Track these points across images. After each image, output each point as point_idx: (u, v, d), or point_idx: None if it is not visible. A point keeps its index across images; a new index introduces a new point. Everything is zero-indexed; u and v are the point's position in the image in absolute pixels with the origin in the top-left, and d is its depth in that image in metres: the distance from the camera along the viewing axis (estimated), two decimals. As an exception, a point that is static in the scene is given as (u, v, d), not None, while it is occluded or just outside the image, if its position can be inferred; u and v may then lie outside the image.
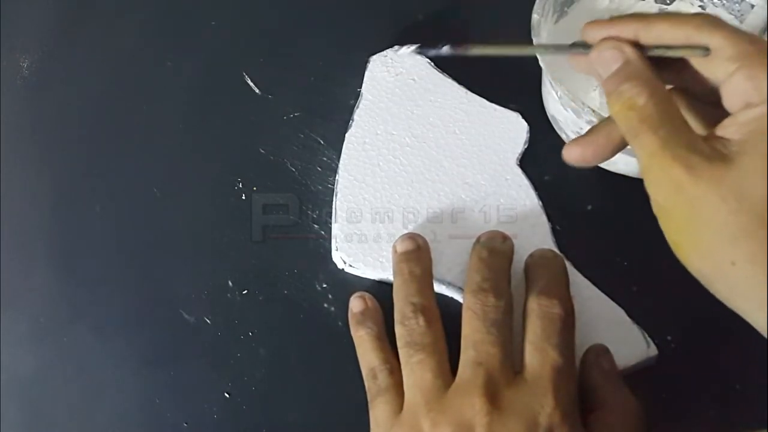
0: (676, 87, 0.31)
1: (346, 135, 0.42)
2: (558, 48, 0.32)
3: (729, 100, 0.28)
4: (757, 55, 0.26)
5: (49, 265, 0.41)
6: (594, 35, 0.31)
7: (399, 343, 0.34)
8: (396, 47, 0.43)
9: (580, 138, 0.31)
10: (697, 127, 0.31)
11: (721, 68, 0.27)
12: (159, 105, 0.45)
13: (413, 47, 0.33)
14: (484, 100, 0.43)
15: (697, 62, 0.29)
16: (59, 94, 0.47)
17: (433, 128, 0.42)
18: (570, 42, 0.32)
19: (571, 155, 0.31)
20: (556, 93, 0.37)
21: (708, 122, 0.30)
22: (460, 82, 0.43)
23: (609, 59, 0.29)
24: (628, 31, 0.29)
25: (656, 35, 0.29)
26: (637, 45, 0.29)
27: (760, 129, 0.26)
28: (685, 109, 0.31)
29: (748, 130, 0.26)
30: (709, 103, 0.29)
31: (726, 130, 0.27)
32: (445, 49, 0.32)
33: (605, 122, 0.31)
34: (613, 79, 0.29)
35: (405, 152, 0.41)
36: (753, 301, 0.26)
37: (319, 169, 0.42)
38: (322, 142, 0.43)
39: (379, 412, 0.33)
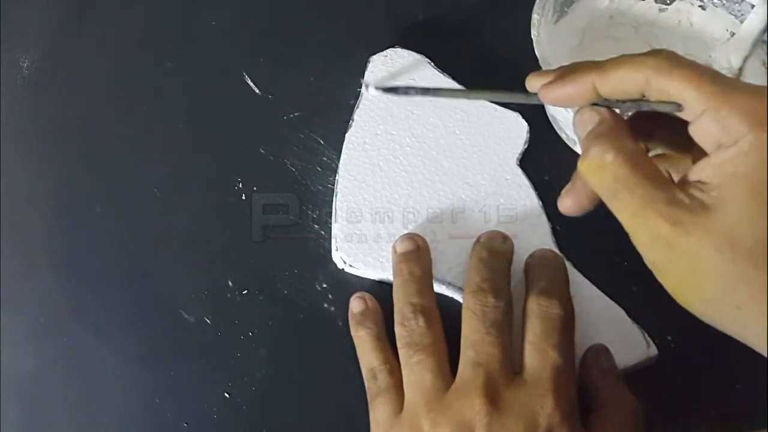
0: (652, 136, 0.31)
1: (346, 135, 0.42)
2: (530, 97, 0.31)
3: (701, 141, 0.27)
4: (722, 95, 0.26)
5: (49, 265, 0.41)
6: (555, 96, 0.30)
7: (399, 344, 0.34)
8: (402, 52, 0.44)
9: (569, 188, 0.31)
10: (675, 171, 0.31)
11: (689, 111, 0.27)
12: (159, 105, 0.45)
13: (379, 89, 0.34)
14: (484, 101, 0.43)
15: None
16: (59, 94, 0.47)
17: (433, 128, 0.42)
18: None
19: (566, 207, 0.31)
20: (556, 93, 0.37)
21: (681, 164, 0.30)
22: (460, 82, 0.43)
23: (587, 120, 0.29)
24: (586, 84, 0.29)
25: (614, 83, 0.28)
26: (612, 102, 0.29)
27: (737, 171, 0.25)
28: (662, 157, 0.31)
29: (724, 172, 0.25)
30: (680, 145, 0.29)
31: (702, 173, 0.26)
32: (400, 92, 0.32)
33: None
34: (586, 139, 0.29)
35: (405, 152, 0.41)
36: (765, 339, 0.25)
37: (319, 169, 0.42)
38: (322, 142, 0.43)
39: (379, 413, 0.33)
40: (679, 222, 0.25)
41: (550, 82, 0.30)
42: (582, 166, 0.28)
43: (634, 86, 0.28)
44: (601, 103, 0.29)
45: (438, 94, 0.33)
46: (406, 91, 0.32)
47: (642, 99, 0.28)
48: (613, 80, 0.28)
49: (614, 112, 0.29)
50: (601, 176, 0.28)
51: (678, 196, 0.26)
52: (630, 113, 0.31)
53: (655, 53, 0.28)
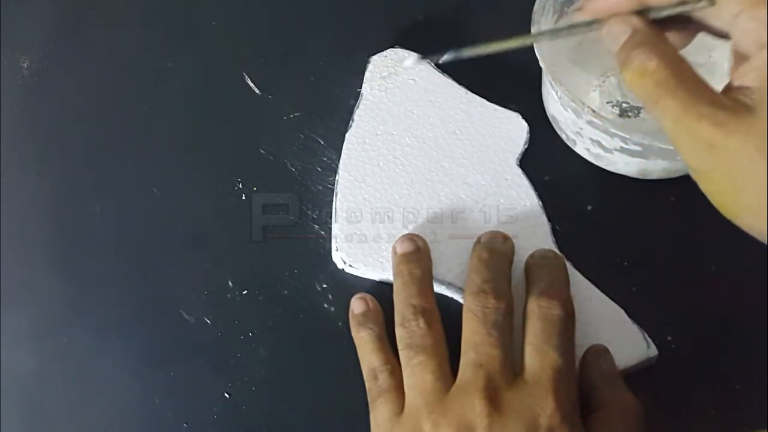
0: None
1: (346, 135, 0.42)
2: (559, 31, 0.32)
3: (741, 45, 0.27)
4: None
5: (49, 265, 0.41)
6: (598, 7, 0.30)
7: (399, 345, 0.34)
8: (402, 52, 0.43)
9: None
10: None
11: (725, 13, 0.27)
12: (159, 105, 0.45)
13: (416, 56, 0.32)
14: (484, 100, 0.43)
15: (703, 13, 0.28)
16: (59, 94, 0.47)
17: (433, 128, 0.42)
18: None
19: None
20: (556, 93, 0.37)
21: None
22: (460, 82, 0.43)
23: (617, 32, 0.29)
24: None
25: None
26: (643, 12, 0.29)
27: None
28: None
29: (766, 72, 0.25)
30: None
31: (743, 78, 0.26)
32: (448, 55, 0.31)
33: None
34: (623, 50, 0.29)
35: (405, 152, 0.41)
36: None
37: (319, 169, 0.42)
38: (322, 142, 0.43)
39: (379, 413, 0.33)
40: (721, 123, 0.25)
41: None
42: (626, 76, 0.28)
43: None
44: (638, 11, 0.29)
45: (472, 52, 0.31)
46: (439, 55, 0.31)
47: (678, 3, 0.28)
48: None
49: (646, 18, 0.29)
50: (644, 83, 0.27)
51: (720, 98, 0.26)
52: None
53: None
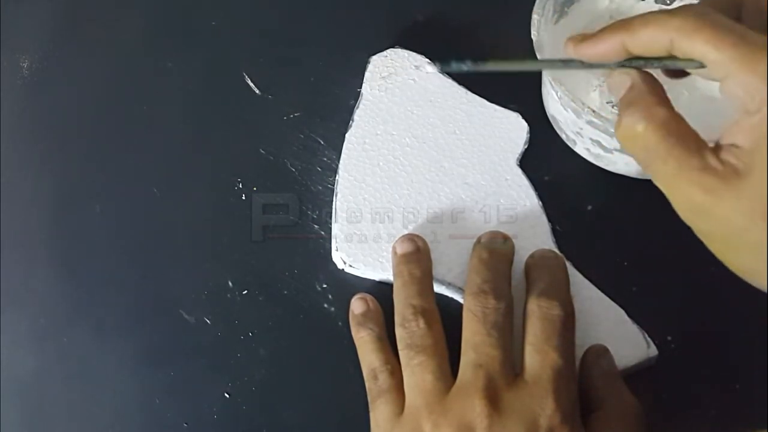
0: None
1: (346, 135, 0.42)
2: (567, 64, 0.32)
3: (731, 102, 0.27)
4: (743, 59, 0.25)
5: (49, 265, 0.41)
6: (585, 53, 0.30)
7: (399, 346, 0.34)
8: (402, 52, 0.43)
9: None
10: None
11: (714, 75, 0.27)
12: (159, 105, 0.45)
13: (438, 66, 0.32)
14: (484, 100, 0.43)
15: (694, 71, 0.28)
16: (59, 94, 0.47)
17: (433, 128, 0.42)
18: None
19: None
20: (556, 93, 0.37)
21: None
22: (460, 83, 0.43)
23: (618, 85, 0.29)
24: (616, 42, 0.29)
25: (641, 42, 0.28)
26: (640, 59, 0.29)
27: (763, 136, 0.25)
28: None
29: (753, 138, 0.25)
30: None
31: (734, 137, 0.26)
32: (468, 65, 0.32)
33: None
34: (619, 107, 0.29)
35: (405, 152, 0.41)
36: None
37: (319, 169, 0.42)
38: (322, 142, 0.43)
39: (379, 413, 0.33)
40: (712, 189, 0.25)
41: (582, 40, 0.30)
42: (617, 135, 0.28)
43: (660, 46, 0.28)
44: (628, 64, 0.29)
45: (486, 67, 0.32)
46: (459, 65, 0.32)
47: (669, 57, 0.28)
48: (640, 39, 0.28)
49: (646, 73, 0.29)
50: (633, 146, 0.28)
51: (711, 162, 0.26)
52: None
53: (683, 11, 0.27)
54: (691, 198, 0.26)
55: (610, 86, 0.30)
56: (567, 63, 0.31)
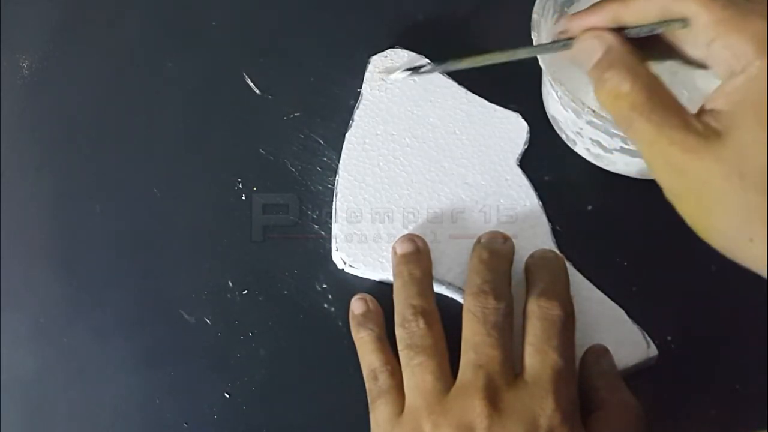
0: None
1: (346, 135, 0.42)
2: (540, 48, 0.32)
3: (715, 68, 0.27)
4: (732, 21, 0.26)
5: (49, 265, 0.41)
6: (576, 26, 0.30)
7: (399, 346, 0.34)
8: (402, 52, 0.43)
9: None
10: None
11: (700, 37, 0.27)
12: (159, 105, 0.45)
13: (405, 72, 0.33)
14: (484, 100, 0.43)
15: (680, 34, 0.28)
16: (59, 94, 0.46)
17: (433, 128, 0.42)
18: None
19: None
20: (556, 93, 0.37)
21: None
22: (460, 83, 0.43)
23: (590, 49, 0.29)
24: (608, 14, 0.29)
25: (636, 12, 0.28)
26: (619, 29, 0.29)
27: (747, 98, 0.25)
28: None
29: (735, 100, 0.25)
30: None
31: (715, 102, 0.26)
32: (427, 68, 0.32)
33: None
34: (597, 69, 0.29)
35: (405, 152, 0.41)
36: None
37: (319, 169, 0.42)
38: (322, 142, 0.43)
39: (379, 414, 0.33)
40: (691, 149, 0.25)
41: (575, 14, 0.30)
42: (600, 97, 0.28)
43: (653, 13, 0.28)
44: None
45: (454, 66, 0.32)
46: (423, 68, 0.32)
47: (647, 24, 0.28)
48: (633, 9, 0.28)
49: (621, 36, 0.29)
50: (618, 106, 0.28)
51: (692, 122, 0.26)
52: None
53: None
54: (671, 157, 0.26)
55: (577, 53, 0.30)
56: (541, 48, 0.31)
